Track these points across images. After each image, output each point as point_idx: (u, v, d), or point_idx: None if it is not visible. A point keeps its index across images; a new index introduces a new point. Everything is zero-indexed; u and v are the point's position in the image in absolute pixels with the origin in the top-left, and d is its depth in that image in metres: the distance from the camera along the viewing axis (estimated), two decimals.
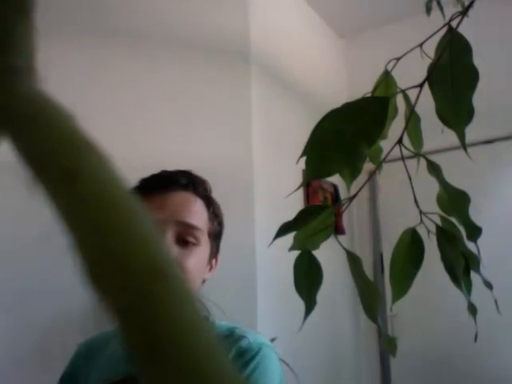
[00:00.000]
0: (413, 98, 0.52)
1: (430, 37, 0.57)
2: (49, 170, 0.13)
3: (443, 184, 0.51)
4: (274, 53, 2.24)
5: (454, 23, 0.48)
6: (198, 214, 0.79)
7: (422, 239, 0.53)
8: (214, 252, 0.86)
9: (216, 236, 0.86)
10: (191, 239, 0.77)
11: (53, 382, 0.86)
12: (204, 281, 0.83)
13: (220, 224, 0.87)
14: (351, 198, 0.52)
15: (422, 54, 0.61)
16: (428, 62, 0.50)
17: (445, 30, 0.48)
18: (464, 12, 0.50)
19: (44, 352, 1.44)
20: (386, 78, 0.60)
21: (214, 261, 0.86)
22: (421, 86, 0.48)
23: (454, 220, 0.53)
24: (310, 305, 0.52)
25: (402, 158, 0.51)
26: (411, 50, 0.61)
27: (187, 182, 0.81)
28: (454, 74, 0.47)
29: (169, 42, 1.94)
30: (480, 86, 0.46)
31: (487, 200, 2.34)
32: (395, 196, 2.46)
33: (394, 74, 0.60)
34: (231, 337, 0.78)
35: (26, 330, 1.47)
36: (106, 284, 0.12)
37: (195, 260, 0.76)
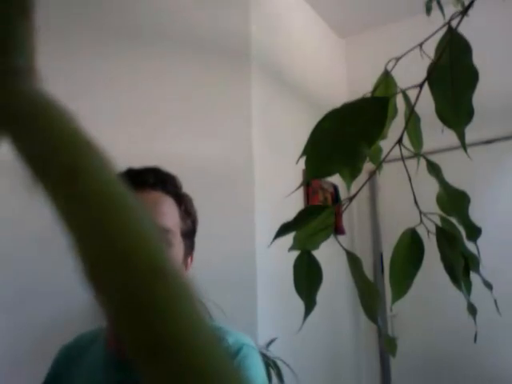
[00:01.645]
0: (413, 98, 0.52)
1: (430, 37, 0.57)
2: (49, 170, 0.13)
3: (443, 184, 0.51)
4: (275, 53, 2.24)
5: (453, 23, 0.48)
6: (168, 215, 0.75)
7: (422, 239, 0.53)
8: (189, 250, 0.82)
9: (189, 234, 0.81)
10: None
11: None
12: None
13: (193, 221, 0.83)
14: (351, 198, 0.52)
15: (422, 53, 0.61)
16: (428, 62, 0.50)
17: (445, 29, 0.48)
18: (464, 12, 0.50)
19: (43, 352, 1.44)
20: (386, 78, 0.60)
21: (189, 259, 0.83)
22: (421, 86, 0.48)
23: (453, 220, 0.53)
24: (309, 305, 0.52)
25: (402, 158, 0.51)
26: (411, 49, 0.61)
27: (155, 180, 0.77)
28: (454, 74, 0.47)
29: (169, 42, 1.94)
30: (480, 86, 0.46)
31: (487, 200, 2.34)
32: (395, 196, 2.46)
33: (393, 74, 0.60)
34: None
35: (26, 330, 1.47)
36: (106, 283, 0.12)
37: None
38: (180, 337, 0.11)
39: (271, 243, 0.52)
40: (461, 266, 0.50)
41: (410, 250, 0.53)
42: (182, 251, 0.78)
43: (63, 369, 0.84)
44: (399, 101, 0.57)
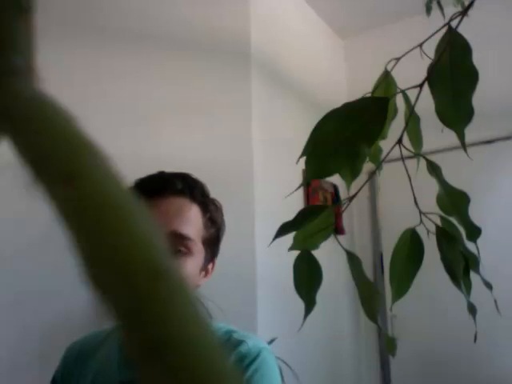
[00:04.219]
0: (413, 98, 0.52)
1: (430, 37, 0.57)
2: (48, 170, 0.13)
3: (443, 184, 0.51)
4: (274, 53, 2.24)
5: (453, 23, 0.48)
6: (191, 223, 0.76)
7: (422, 239, 0.53)
8: (210, 258, 0.83)
9: (212, 242, 0.82)
10: (182, 249, 0.74)
11: None
12: (198, 286, 0.81)
13: (218, 229, 0.84)
14: (351, 198, 0.52)
15: (422, 54, 0.61)
16: (428, 62, 0.50)
17: (445, 29, 0.48)
18: (464, 12, 0.50)
19: (44, 353, 1.44)
20: (386, 78, 0.60)
21: (210, 266, 0.84)
22: (421, 86, 0.48)
23: (453, 220, 0.53)
24: (309, 305, 0.52)
25: (402, 158, 0.51)
26: (411, 49, 0.61)
27: (183, 186, 0.78)
28: (454, 74, 0.47)
29: (169, 42, 1.94)
30: (480, 86, 0.46)
31: (487, 200, 2.34)
32: (395, 196, 2.46)
33: (393, 74, 0.60)
34: (229, 341, 0.76)
35: (26, 332, 1.47)
36: (106, 284, 0.12)
37: (186, 269, 0.74)
38: (178, 337, 0.11)
39: (271, 243, 0.52)
40: (461, 266, 0.50)
41: (410, 249, 0.53)
42: (201, 259, 0.79)
43: (73, 366, 0.83)
44: (399, 101, 0.57)
